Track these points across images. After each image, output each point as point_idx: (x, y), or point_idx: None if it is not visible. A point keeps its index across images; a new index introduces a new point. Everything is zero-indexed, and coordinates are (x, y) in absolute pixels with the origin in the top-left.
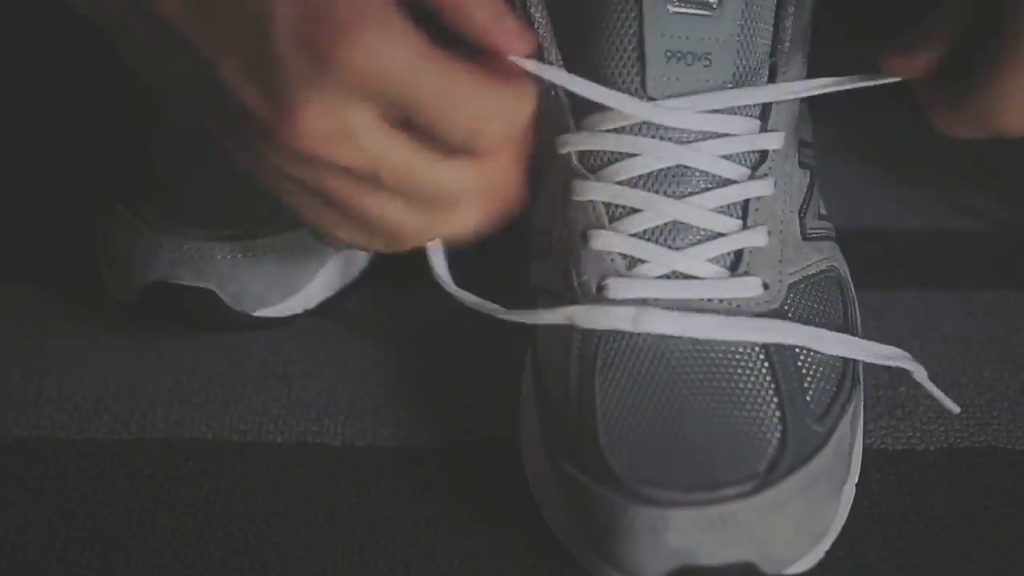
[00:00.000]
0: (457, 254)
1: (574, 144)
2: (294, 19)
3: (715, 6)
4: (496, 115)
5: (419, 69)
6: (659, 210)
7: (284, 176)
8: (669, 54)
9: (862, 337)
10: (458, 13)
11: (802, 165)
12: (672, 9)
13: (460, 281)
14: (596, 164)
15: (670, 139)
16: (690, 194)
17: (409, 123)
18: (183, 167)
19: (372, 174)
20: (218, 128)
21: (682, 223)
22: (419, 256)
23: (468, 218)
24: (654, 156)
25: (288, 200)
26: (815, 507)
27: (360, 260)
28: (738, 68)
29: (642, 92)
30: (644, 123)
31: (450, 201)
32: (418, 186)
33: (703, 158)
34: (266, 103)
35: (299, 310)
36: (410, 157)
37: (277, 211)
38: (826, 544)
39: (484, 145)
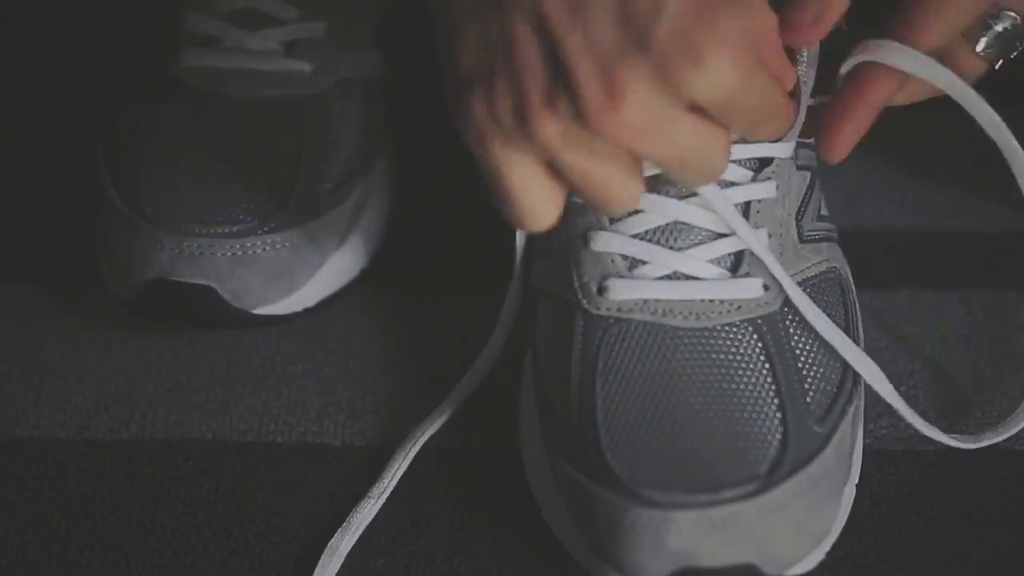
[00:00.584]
0: (457, 254)
1: None
2: None
3: None
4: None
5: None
6: (660, 211)
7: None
8: None
9: (864, 338)
10: None
11: (801, 167)
12: None
13: (461, 281)
14: None
15: None
16: (691, 195)
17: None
18: (183, 164)
19: (677, 162)
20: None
21: (683, 224)
22: (419, 256)
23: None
24: None
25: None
26: (816, 508)
27: (360, 259)
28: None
29: None
30: None
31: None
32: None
33: None
34: (596, 80)
35: (299, 308)
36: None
37: (277, 209)
38: (827, 545)
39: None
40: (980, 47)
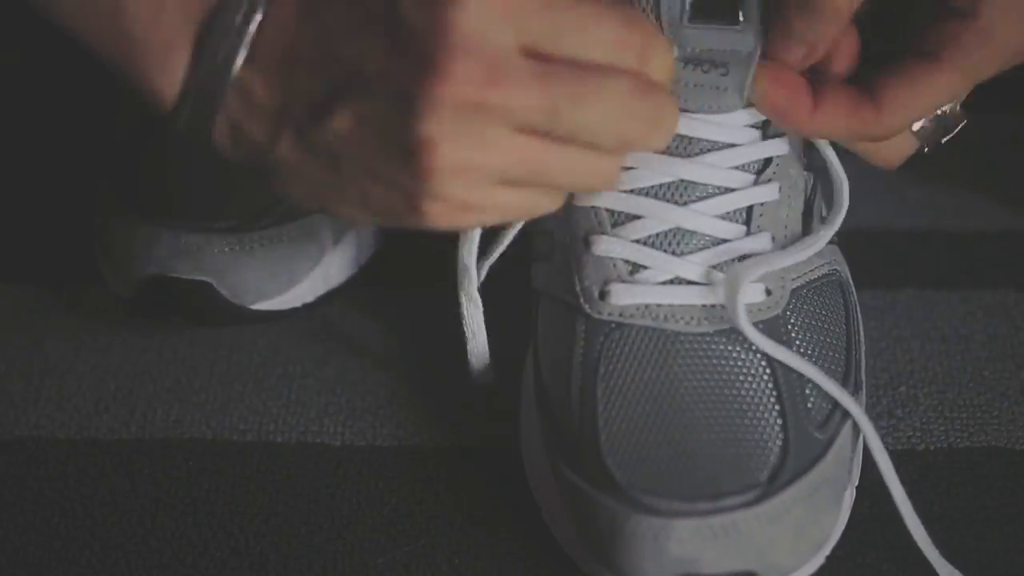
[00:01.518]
0: (457, 251)
1: None
2: None
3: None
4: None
5: None
6: (662, 217)
7: (449, 168)
8: (684, 62)
9: (864, 340)
10: None
11: (806, 167)
12: (690, 20)
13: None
14: None
15: (676, 154)
16: (693, 201)
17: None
18: (181, 160)
19: (536, 110)
20: (375, 170)
21: (685, 229)
22: (418, 256)
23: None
24: (659, 171)
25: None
26: (816, 515)
27: (359, 255)
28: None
29: None
30: None
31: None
32: (585, 115)
33: (708, 171)
34: (412, 66)
35: (297, 304)
36: (569, 85)
37: (275, 203)
38: (827, 550)
39: (631, 60)
40: (917, 127)
